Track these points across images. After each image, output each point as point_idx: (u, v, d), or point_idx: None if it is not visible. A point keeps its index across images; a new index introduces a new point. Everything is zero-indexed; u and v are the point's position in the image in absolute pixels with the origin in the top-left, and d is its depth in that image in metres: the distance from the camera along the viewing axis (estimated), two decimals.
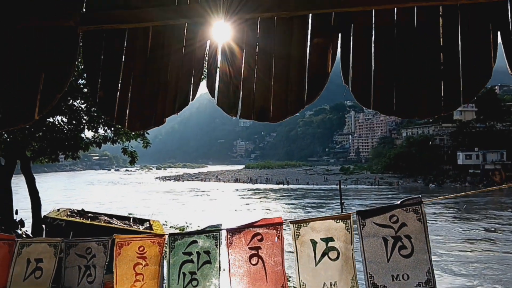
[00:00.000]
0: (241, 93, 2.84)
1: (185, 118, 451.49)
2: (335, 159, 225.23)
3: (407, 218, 2.83)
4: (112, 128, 13.24)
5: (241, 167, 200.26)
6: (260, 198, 65.81)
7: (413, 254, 2.78)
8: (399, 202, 2.87)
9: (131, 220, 10.74)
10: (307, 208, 49.40)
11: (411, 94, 2.59)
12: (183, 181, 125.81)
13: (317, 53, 2.75)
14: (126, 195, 75.33)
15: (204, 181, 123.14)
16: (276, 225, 3.08)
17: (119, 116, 2.91)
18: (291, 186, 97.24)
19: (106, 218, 10.51)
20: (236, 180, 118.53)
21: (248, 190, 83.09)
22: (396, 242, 2.81)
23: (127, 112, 2.93)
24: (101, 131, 13.40)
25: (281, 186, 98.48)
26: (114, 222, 9.96)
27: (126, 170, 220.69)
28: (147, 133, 13.88)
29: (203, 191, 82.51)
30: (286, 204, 55.22)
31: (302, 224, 2.97)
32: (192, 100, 2.92)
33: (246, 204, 55.46)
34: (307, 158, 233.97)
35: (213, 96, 2.90)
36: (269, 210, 47.38)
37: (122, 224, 9.70)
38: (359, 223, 2.88)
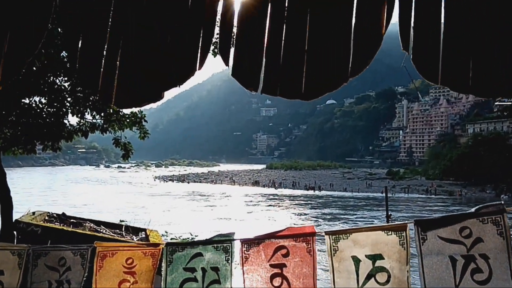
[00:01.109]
0: (263, 60, 2.70)
1: (193, 103, 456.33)
2: (381, 160, 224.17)
3: (483, 231, 2.69)
4: (102, 114, 13.30)
5: (261, 166, 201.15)
6: (275, 205, 68.42)
7: (491, 280, 2.65)
8: (473, 210, 2.71)
9: (123, 229, 10.80)
10: (319, 219, 50.80)
11: (495, 65, 2.47)
12: (188, 182, 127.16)
13: (367, 7, 2.59)
14: (117, 197, 76.51)
15: (215, 183, 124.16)
16: (306, 236, 3.01)
17: (104, 89, 2.80)
18: (323, 192, 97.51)
19: (92, 225, 10.57)
20: (255, 183, 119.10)
21: (267, 197, 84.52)
22: (468, 263, 2.70)
23: (115, 83, 2.82)
24: (88, 116, 13.46)
25: (311, 192, 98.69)
26: (102, 230, 10.01)
27: (119, 167, 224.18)
28: (145, 121, 13.91)
29: (213, 196, 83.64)
30: (296, 214, 56.87)
31: (341, 236, 2.91)
32: (200, 69, 2.79)
33: (248, 212, 57.71)
34: (345, 158, 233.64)
35: (227, 63, 2.76)
36: (270, 218, 48.91)
37: (111, 234, 9.73)
38: (418, 237, 2.76)
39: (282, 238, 3.06)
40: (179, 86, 2.83)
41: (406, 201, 76.96)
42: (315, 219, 50.35)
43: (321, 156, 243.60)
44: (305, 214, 56.42)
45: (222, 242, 3.19)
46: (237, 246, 3.18)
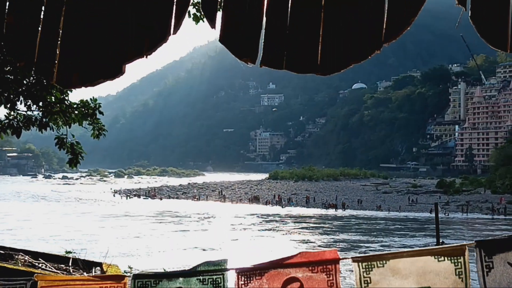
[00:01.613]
0: (264, 18, 2.70)
1: (167, 88, 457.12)
2: (429, 166, 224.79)
3: None
4: (41, 103, 13.32)
5: (262, 176, 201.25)
6: (273, 230, 70.05)
7: None
8: None
9: (70, 263, 10.85)
10: (328, 246, 52.04)
11: None
12: (161, 198, 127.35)
13: None
14: (61, 219, 76.78)
15: (197, 199, 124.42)
16: (327, 263, 3.07)
17: (41, 60, 2.81)
18: (349, 212, 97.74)
19: (27, 258, 10.59)
20: (254, 200, 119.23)
21: (266, 218, 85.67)
22: None
23: (57, 52, 2.83)
24: (21, 107, 13.46)
25: (331, 212, 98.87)
26: (41, 265, 10.03)
27: (64, 177, 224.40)
28: (101, 113, 13.92)
29: (189, 218, 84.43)
30: (297, 241, 58.02)
31: (375, 263, 2.94)
32: (175, 33, 2.78)
33: (233, 240, 59.30)
34: (380, 165, 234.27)
35: (213, 25, 2.76)
36: (261, 248, 49.76)
37: (54, 270, 9.76)
38: (481, 263, 2.78)
39: (294, 266, 3.08)
40: (146, 57, 2.82)
41: (464, 223, 76.90)
42: (321, 248, 50.76)
43: (345, 162, 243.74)
44: (310, 242, 57.36)
45: (211, 273, 3.22)
46: (231, 278, 3.21)
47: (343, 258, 3.11)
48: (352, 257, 3.03)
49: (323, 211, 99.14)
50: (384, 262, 2.94)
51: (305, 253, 3.14)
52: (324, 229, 70.71)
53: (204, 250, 50.55)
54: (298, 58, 2.68)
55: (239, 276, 3.18)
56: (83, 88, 2.95)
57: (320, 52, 2.65)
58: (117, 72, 2.83)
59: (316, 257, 3.10)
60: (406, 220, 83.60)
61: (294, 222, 79.31)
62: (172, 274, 3.22)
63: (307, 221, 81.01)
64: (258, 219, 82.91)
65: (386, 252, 2.98)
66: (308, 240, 58.97)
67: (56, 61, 2.83)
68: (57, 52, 2.84)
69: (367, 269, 2.95)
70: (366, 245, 55.73)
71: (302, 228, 72.09)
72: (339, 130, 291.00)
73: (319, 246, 54.16)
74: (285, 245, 53.60)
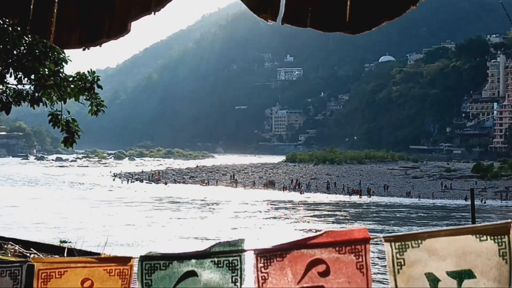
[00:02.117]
0: None
1: (173, 61, 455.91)
2: (464, 148, 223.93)
3: None
4: (33, 76, 13.32)
5: (279, 158, 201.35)
6: (281, 218, 71.05)
7: None
8: None
9: (66, 253, 10.93)
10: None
11: None
12: (165, 183, 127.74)
13: None
14: (53, 205, 77.19)
15: (207, 184, 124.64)
16: (355, 243, 3.07)
17: (37, 16, 2.80)
18: (375, 199, 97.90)
19: (17, 247, 10.69)
20: (269, 185, 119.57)
21: (277, 205, 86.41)
22: None
23: (55, 8, 2.82)
24: (11, 80, 13.49)
25: (355, 198, 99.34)
26: (33, 255, 10.11)
27: (58, 159, 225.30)
28: (99, 86, 13.94)
29: (193, 204, 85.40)
30: (303, 230, 58.55)
31: (409, 243, 2.95)
32: None
33: (233, 228, 59.99)
34: (409, 146, 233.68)
35: None
36: (259, 238, 50.48)
37: None
38: None
39: (318, 247, 3.10)
40: (154, 13, 2.81)
41: (503, 212, 76.70)
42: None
43: (371, 143, 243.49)
44: (317, 231, 57.58)
45: (226, 255, 3.23)
46: (249, 260, 3.22)
47: (373, 238, 3.11)
48: (384, 237, 3.02)
49: (345, 198, 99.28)
50: (419, 241, 2.93)
51: (331, 232, 3.15)
52: (337, 217, 71.25)
53: (208, 239, 51.05)
54: (324, 14, 2.65)
55: (258, 258, 3.18)
56: (83, 48, 2.93)
57: (349, 7, 2.64)
58: (122, 30, 2.82)
59: (344, 236, 3.10)
60: (432, 207, 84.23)
61: (307, 210, 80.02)
62: (183, 256, 3.25)
63: (321, 208, 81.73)
64: (269, 206, 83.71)
65: (422, 230, 2.98)
66: (315, 228, 58.95)
67: (53, 18, 2.82)
68: (55, 8, 2.83)
69: (401, 250, 2.95)
70: (377, 234, 55.94)
71: (313, 216, 72.62)
72: (364, 108, 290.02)
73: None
74: (285, 234, 54.12)
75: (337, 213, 76.24)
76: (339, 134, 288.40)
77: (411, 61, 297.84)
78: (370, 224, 64.11)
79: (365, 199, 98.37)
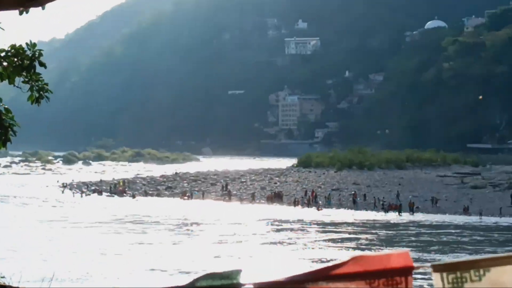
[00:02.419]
0: None
1: (143, 29, 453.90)
2: None
3: None
4: None
5: (288, 162, 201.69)
6: (282, 243, 71.28)
7: None
8: None
9: None
10: None
11: None
12: (133, 195, 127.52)
13: None
14: None
15: (190, 197, 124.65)
16: (394, 273, 3.13)
17: None
18: (419, 216, 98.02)
19: None
20: (274, 198, 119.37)
21: (280, 225, 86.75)
22: None
23: None
24: None
25: (392, 216, 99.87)
26: None
27: None
28: (42, 64, 13.97)
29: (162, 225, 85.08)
30: (310, 260, 58.63)
31: (467, 274, 2.97)
32: None
33: (216, 256, 60.40)
34: (467, 145, 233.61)
35: None
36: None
37: None
38: None
39: (342, 279, 3.13)
40: None
41: None
42: None
43: (414, 141, 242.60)
44: (328, 260, 57.53)
45: None
46: None
47: (419, 267, 3.12)
48: (432, 265, 3.05)
49: (378, 216, 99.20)
50: (481, 272, 2.95)
51: (360, 258, 3.17)
52: (360, 241, 71.79)
53: (180, 271, 51.02)
54: None
55: None
56: (21, 11, 2.98)
57: None
58: None
59: (377, 264, 3.11)
60: (493, 228, 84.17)
61: (321, 232, 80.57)
62: None
63: (341, 229, 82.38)
64: (268, 227, 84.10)
65: (483, 257, 3.00)
66: (325, 258, 59.22)
67: None
68: None
69: (457, 283, 2.98)
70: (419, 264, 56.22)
71: (327, 240, 73.09)
72: (404, 93, 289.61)
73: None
74: (284, 264, 54.46)
75: (362, 236, 76.71)
76: (370, 129, 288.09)
77: (468, 28, 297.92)
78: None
79: (405, 216, 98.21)
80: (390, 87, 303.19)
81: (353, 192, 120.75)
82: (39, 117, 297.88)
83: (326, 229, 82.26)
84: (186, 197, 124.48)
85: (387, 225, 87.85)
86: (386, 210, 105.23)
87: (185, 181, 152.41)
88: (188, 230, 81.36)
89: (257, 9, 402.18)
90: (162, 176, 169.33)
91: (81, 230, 78.87)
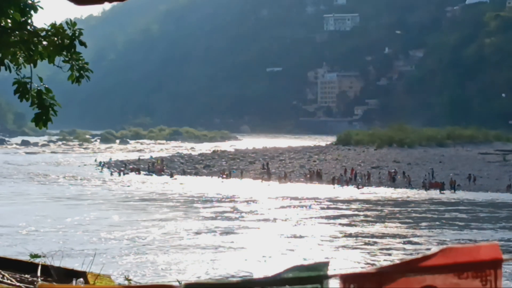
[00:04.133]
0: None
1: (179, 5, 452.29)
2: None
3: None
4: None
5: (327, 139, 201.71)
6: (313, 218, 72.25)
7: None
8: None
9: (39, 272, 11.01)
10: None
11: None
12: (171, 174, 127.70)
13: None
14: (18, 208, 77.99)
15: (229, 176, 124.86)
16: (482, 266, 3.12)
17: None
18: (460, 195, 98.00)
19: None
20: (313, 176, 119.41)
21: (314, 204, 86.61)
22: None
23: None
24: None
25: (433, 193, 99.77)
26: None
27: (24, 143, 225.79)
28: (83, 43, 13.96)
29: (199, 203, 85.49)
30: (340, 235, 59.16)
31: None
32: None
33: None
34: (509, 121, 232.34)
35: None
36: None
37: (15, 282, 9.93)
38: None
39: (431, 271, 3.13)
40: None
41: None
42: (391, 258, 50.61)
43: (455, 117, 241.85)
44: (359, 236, 58.64)
45: (304, 282, 3.26)
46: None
47: (508, 259, 3.13)
48: None
49: (419, 193, 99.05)
50: None
51: (449, 250, 3.16)
52: (412, 220, 71.67)
53: (224, 250, 50.92)
54: None
55: (346, 284, 3.22)
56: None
57: None
58: None
59: (467, 255, 3.12)
60: None
61: (364, 210, 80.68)
62: (246, 283, 3.30)
63: (385, 206, 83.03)
64: (307, 208, 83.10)
65: None
66: (361, 232, 59.66)
67: None
68: None
69: None
70: (437, 238, 57.41)
71: (373, 217, 73.70)
72: (445, 69, 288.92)
73: (395, 251, 53.97)
74: (331, 250, 54.19)
75: (411, 214, 76.54)
76: (410, 106, 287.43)
77: (511, 3, 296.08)
78: (463, 232, 63.78)
79: (447, 194, 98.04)
80: (430, 64, 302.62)
81: (393, 170, 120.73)
82: (76, 95, 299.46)
83: (370, 207, 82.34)
84: (224, 176, 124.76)
85: (434, 203, 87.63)
86: (426, 188, 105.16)
87: (223, 160, 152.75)
88: (235, 210, 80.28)
89: None
90: (200, 154, 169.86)
91: (128, 210, 79.07)
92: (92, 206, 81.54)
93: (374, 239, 60.04)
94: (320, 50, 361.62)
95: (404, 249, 54.34)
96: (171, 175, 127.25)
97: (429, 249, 52.83)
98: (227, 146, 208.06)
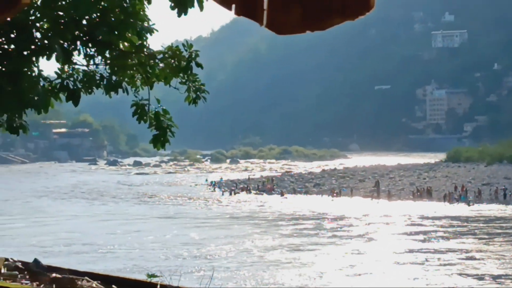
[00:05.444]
0: None
1: None
2: None
3: None
4: (108, 53, 13.37)
5: (437, 157, 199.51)
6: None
7: None
8: None
9: None
10: None
11: None
12: (282, 194, 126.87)
13: None
14: (134, 227, 78.69)
15: (339, 195, 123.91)
16: None
17: None
18: None
19: (95, 285, 10.92)
20: (423, 194, 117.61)
21: (425, 222, 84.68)
22: None
23: None
24: (79, 59, 13.56)
25: None
26: None
27: (136, 163, 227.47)
28: (199, 65, 14.01)
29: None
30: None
31: None
32: None
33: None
34: None
35: None
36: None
37: None
38: None
39: None
40: None
41: None
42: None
43: None
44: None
45: None
46: None
47: None
48: None
49: None
50: None
51: None
52: None
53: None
54: None
55: None
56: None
57: None
58: None
59: None
60: None
61: (479, 228, 78.37)
62: None
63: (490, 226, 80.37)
64: (415, 226, 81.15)
65: None
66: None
67: None
68: None
69: None
70: None
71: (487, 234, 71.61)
72: None
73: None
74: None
75: None
76: None
77: None
78: None
79: None
80: None
81: (502, 187, 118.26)
82: (186, 116, 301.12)
83: (483, 225, 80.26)
84: (335, 194, 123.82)
85: None
86: None
87: (333, 178, 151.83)
88: (351, 229, 78.89)
89: (403, 2, 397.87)
90: (309, 173, 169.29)
91: (243, 227, 79.01)
92: (203, 224, 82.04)
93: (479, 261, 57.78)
94: (429, 67, 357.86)
95: None
96: (282, 194, 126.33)
97: None
98: (337, 164, 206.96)
